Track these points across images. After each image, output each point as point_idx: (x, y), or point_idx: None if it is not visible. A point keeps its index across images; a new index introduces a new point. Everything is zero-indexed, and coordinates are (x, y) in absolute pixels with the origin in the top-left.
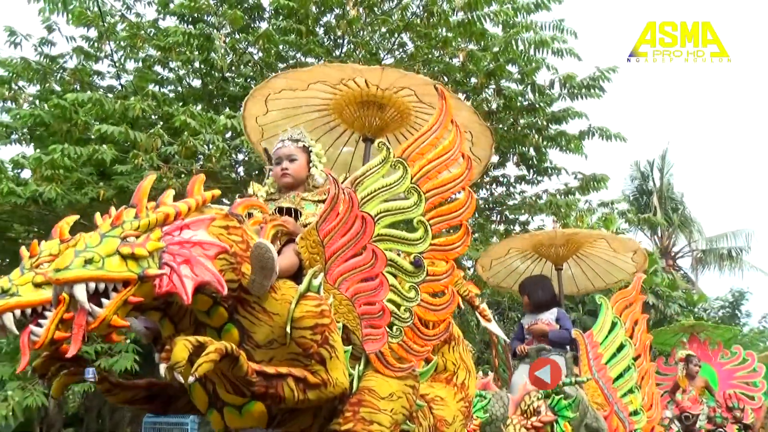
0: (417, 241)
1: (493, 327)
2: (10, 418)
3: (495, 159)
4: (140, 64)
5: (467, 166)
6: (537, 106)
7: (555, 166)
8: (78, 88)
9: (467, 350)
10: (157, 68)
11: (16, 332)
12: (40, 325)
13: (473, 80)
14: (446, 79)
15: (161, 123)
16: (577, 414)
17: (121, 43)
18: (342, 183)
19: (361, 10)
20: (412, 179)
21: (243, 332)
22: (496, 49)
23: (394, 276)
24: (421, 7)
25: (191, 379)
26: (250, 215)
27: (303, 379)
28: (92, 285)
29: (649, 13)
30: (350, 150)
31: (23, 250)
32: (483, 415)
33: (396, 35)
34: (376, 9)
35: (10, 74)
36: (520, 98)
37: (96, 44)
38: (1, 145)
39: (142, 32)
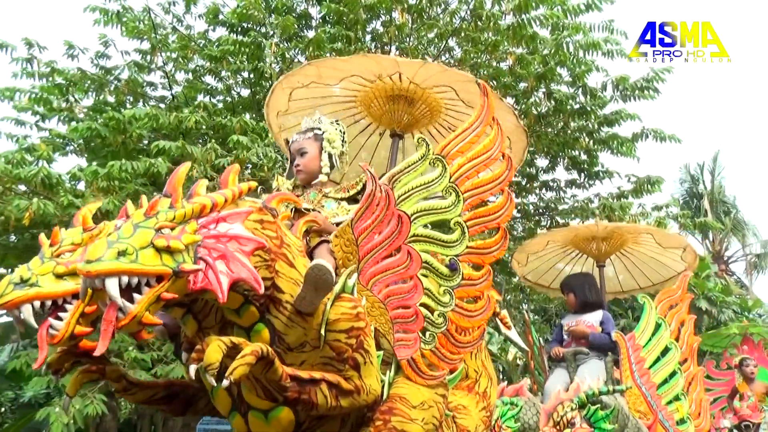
0: (453, 243)
1: (513, 335)
2: (71, 425)
3: (544, 163)
4: (190, 75)
5: (507, 167)
6: (588, 108)
7: (607, 170)
8: (131, 98)
9: (489, 357)
10: (207, 78)
11: (35, 325)
12: (59, 319)
13: (522, 84)
14: (495, 84)
15: (212, 132)
16: (616, 425)
17: (172, 54)
18: (380, 179)
19: (408, 15)
20: (450, 178)
21: (274, 333)
22: (545, 52)
23: (428, 278)
24: (468, 12)
25: (225, 383)
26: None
27: (336, 385)
28: (125, 279)
29: (648, 13)
30: (374, 144)
31: (42, 237)
32: (514, 424)
33: (444, 40)
34: (423, 14)
35: (67, 84)
36: (570, 101)
37: (149, 57)
38: (59, 155)
39: (193, 44)
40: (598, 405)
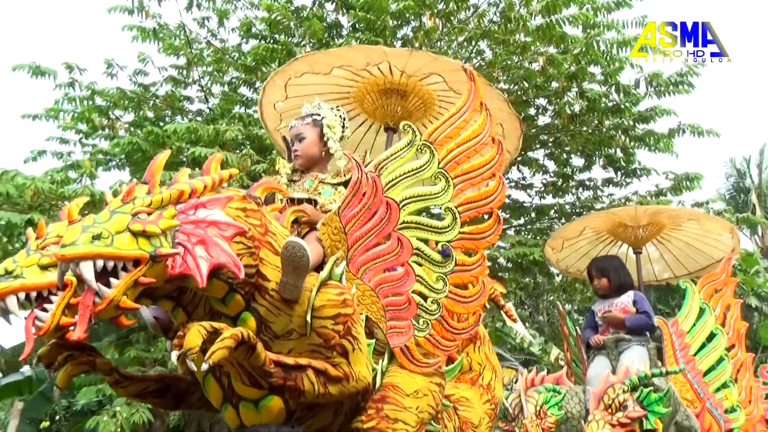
0: (445, 229)
1: (519, 327)
2: None
3: (580, 162)
4: (226, 87)
5: (498, 151)
6: (622, 106)
7: (644, 167)
8: (169, 113)
9: (493, 351)
10: (242, 90)
11: (20, 317)
12: (45, 310)
13: (554, 84)
14: (527, 85)
15: (248, 143)
16: (669, 409)
17: (208, 68)
18: (365, 166)
19: (437, 20)
20: (439, 164)
21: (260, 321)
22: (576, 51)
23: (421, 266)
24: (498, 14)
25: (204, 366)
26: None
27: (324, 372)
28: (100, 262)
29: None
30: (371, 141)
31: (29, 231)
32: (558, 411)
33: (474, 43)
34: (452, 18)
35: (108, 104)
36: (604, 99)
37: (185, 71)
38: (102, 170)
39: (227, 57)
40: (651, 388)
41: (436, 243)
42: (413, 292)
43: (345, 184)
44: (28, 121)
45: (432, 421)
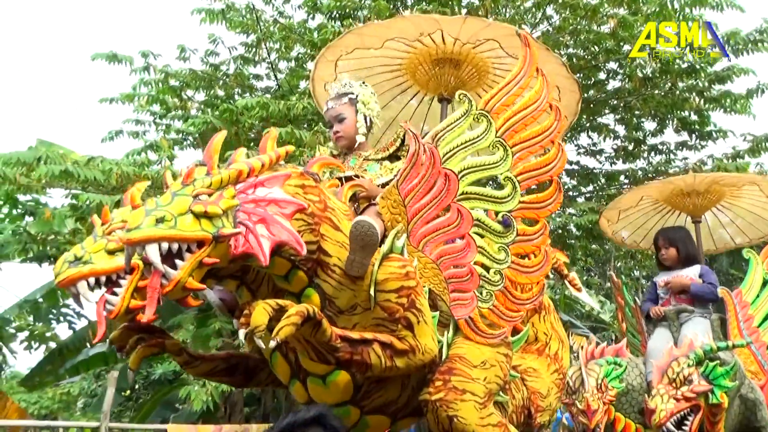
0: (505, 199)
1: (584, 296)
2: (208, 401)
3: (652, 126)
4: (293, 63)
5: (556, 117)
6: (697, 67)
7: (720, 129)
8: (239, 91)
9: (558, 320)
10: (309, 65)
11: (91, 301)
12: (115, 294)
13: (626, 47)
14: (596, 49)
15: (317, 117)
16: (736, 383)
17: (275, 45)
18: (423, 138)
19: None
20: (496, 133)
21: (324, 297)
22: (649, 11)
23: (482, 237)
24: None
25: (272, 344)
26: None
27: (390, 345)
28: (165, 245)
29: None
30: (423, 112)
31: (95, 218)
32: (619, 384)
33: (541, 8)
34: None
35: (181, 84)
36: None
37: (254, 49)
38: (178, 150)
39: (294, 33)
40: (717, 361)
41: (496, 213)
42: (475, 263)
43: (389, 158)
44: (105, 104)
45: (500, 392)
